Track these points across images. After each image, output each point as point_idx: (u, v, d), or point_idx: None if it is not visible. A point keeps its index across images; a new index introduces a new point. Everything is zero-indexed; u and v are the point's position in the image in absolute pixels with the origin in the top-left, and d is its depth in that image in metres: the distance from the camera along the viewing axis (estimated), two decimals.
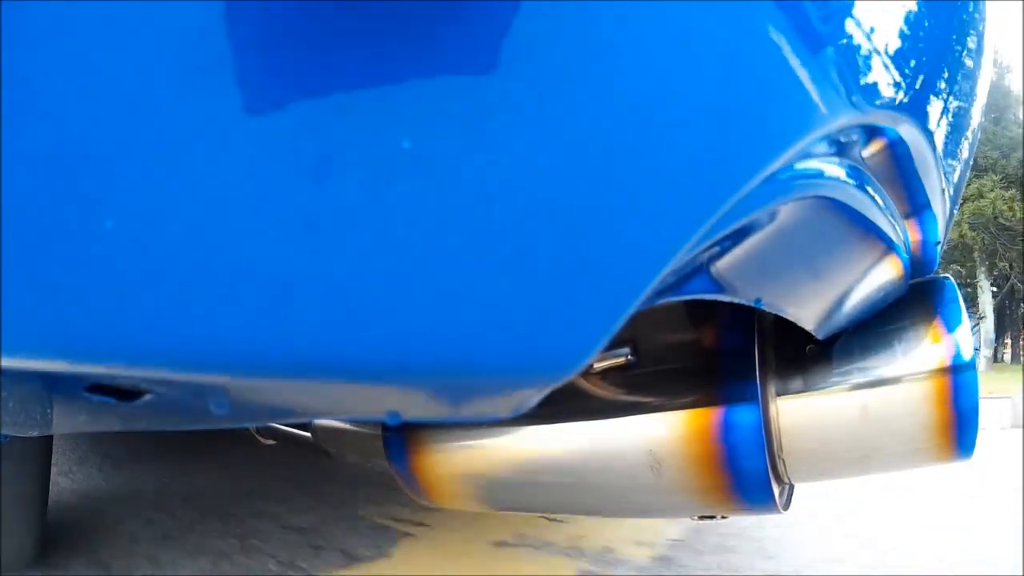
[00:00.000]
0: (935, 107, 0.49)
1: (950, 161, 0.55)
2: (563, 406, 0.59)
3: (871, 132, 0.45)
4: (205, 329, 0.25)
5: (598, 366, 0.60)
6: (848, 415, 0.57)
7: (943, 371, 0.56)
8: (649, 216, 0.31)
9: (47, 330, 0.23)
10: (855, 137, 0.44)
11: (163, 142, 0.23)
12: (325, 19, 0.25)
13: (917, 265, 0.62)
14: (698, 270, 0.40)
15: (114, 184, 0.23)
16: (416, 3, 0.25)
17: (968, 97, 0.56)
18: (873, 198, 0.47)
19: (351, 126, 0.25)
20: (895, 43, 0.41)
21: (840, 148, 0.42)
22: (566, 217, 0.29)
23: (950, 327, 0.57)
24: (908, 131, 0.46)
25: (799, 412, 0.57)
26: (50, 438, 1.04)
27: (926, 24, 0.45)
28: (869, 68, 0.39)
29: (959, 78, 0.52)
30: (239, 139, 0.24)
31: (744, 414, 0.55)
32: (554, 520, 1.39)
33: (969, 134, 0.60)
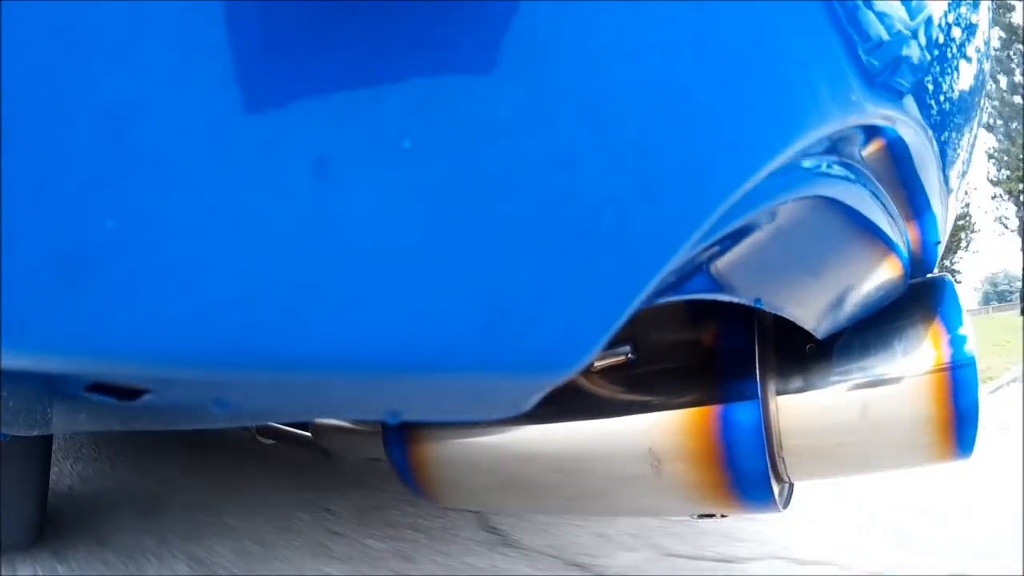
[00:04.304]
0: (935, 107, 0.49)
1: (949, 161, 0.55)
2: (563, 405, 0.59)
3: (871, 132, 0.45)
4: (205, 328, 0.25)
5: (598, 365, 0.60)
6: (848, 414, 0.57)
7: (943, 370, 0.56)
8: (650, 215, 0.31)
9: (47, 330, 0.23)
10: (855, 137, 0.44)
11: (163, 142, 0.23)
12: (324, 18, 0.25)
13: (917, 264, 0.62)
14: (698, 270, 0.40)
15: (114, 184, 0.23)
16: (416, 3, 0.25)
17: (968, 97, 0.56)
18: (873, 198, 0.47)
19: (350, 125, 0.25)
20: (895, 43, 0.41)
21: (840, 148, 0.42)
22: (566, 216, 0.29)
23: (950, 326, 0.58)
24: (908, 131, 0.46)
25: (799, 411, 0.57)
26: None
27: (926, 24, 0.45)
28: (870, 68, 0.39)
29: (959, 79, 0.52)
30: (239, 139, 0.24)
31: (744, 412, 0.55)
32: None
33: (968, 134, 0.60)
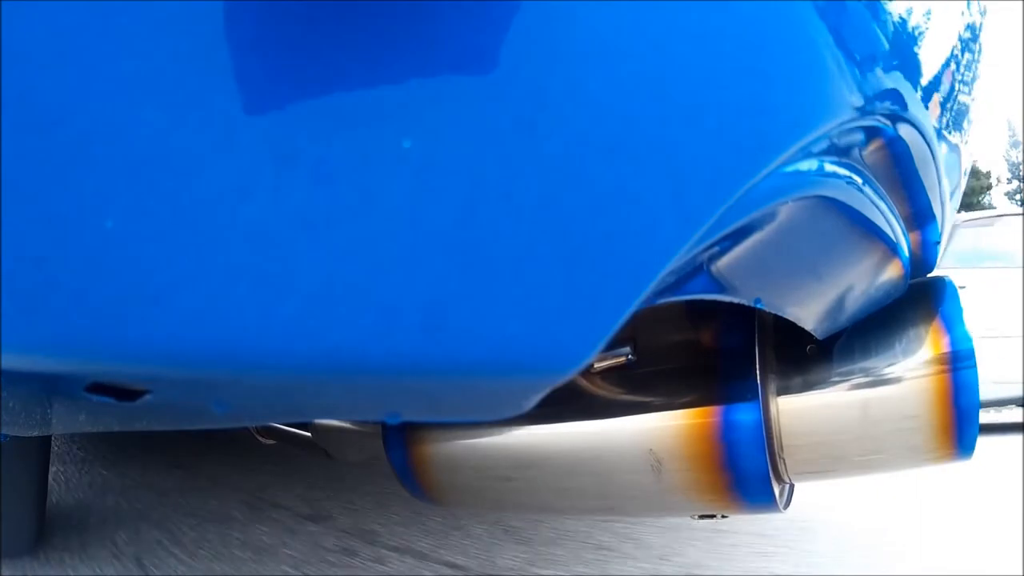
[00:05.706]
0: (935, 107, 0.49)
1: (949, 161, 0.55)
2: (563, 406, 0.59)
3: (871, 131, 0.45)
4: (205, 328, 0.25)
5: (598, 365, 0.60)
6: (848, 414, 0.57)
7: (943, 370, 0.55)
8: (650, 215, 0.31)
9: (47, 330, 0.23)
10: (855, 137, 0.44)
11: (162, 143, 0.23)
12: (325, 18, 0.25)
13: (917, 264, 0.62)
14: (698, 270, 0.40)
15: (113, 184, 0.23)
16: (417, 3, 0.25)
17: (967, 97, 0.56)
18: (873, 198, 0.47)
19: (351, 126, 0.25)
20: (895, 43, 0.41)
21: (840, 148, 0.42)
22: (567, 216, 0.29)
23: (950, 326, 0.57)
24: (907, 131, 0.46)
25: (799, 411, 0.57)
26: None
27: (926, 24, 0.45)
28: (869, 67, 0.39)
29: (958, 78, 0.52)
30: (239, 139, 0.24)
31: (744, 413, 0.55)
32: None
33: (968, 134, 0.60)
